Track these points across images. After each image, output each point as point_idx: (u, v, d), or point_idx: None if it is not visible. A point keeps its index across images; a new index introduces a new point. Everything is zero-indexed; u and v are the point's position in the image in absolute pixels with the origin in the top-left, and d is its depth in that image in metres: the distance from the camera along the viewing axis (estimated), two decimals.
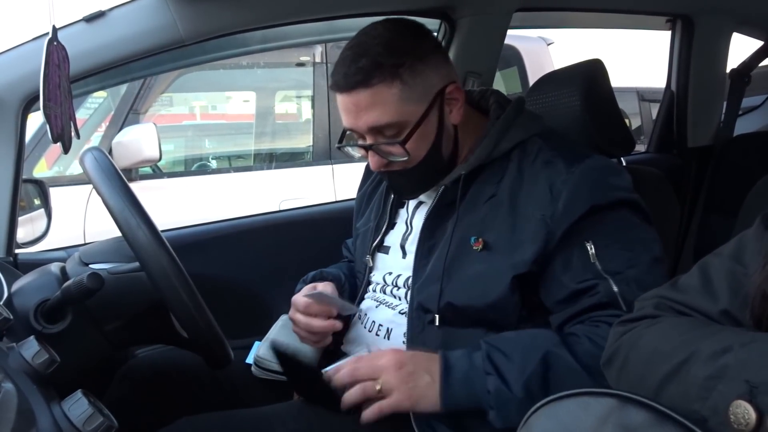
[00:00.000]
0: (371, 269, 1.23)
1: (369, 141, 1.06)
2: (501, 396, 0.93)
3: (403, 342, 1.11)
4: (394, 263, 1.19)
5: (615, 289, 0.96)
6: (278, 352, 1.07)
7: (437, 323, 1.06)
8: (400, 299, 1.15)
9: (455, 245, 1.06)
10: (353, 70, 1.00)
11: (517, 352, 0.95)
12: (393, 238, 1.21)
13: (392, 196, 1.23)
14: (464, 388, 0.95)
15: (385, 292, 1.19)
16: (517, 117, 1.11)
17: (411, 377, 0.96)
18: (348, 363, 1.00)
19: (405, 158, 1.05)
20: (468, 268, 1.04)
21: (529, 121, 1.12)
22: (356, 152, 1.12)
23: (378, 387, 0.95)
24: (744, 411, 0.48)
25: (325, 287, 1.18)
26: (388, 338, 1.14)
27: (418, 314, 1.09)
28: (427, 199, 1.15)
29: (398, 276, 1.17)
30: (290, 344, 1.19)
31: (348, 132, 1.10)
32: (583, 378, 0.92)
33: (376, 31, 1.04)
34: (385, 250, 1.22)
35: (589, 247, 0.98)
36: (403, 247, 1.18)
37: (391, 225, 1.23)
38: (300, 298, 1.15)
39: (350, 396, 0.97)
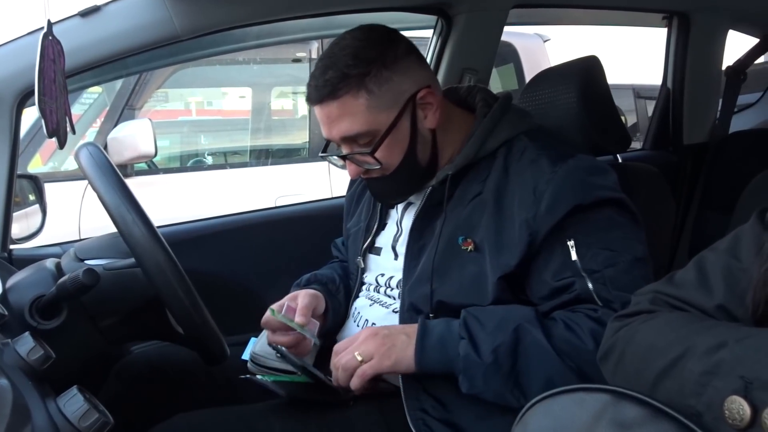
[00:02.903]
0: (363, 270, 1.23)
1: (345, 150, 1.08)
2: (469, 359, 0.95)
3: None
4: (387, 264, 1.19)
5: (590, 287, 0.96)
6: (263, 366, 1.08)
7: None
8: (394, 299, 1.15)
9: (443, 245, 1.06)
10: (321, 83, 1.02)
11: (492, 322, 0.97)
12: (384, 240, 1.21)
13: None
14: (438, 350, 0.98)
15: (378, 292, 1.19)
16: (504, 115, 1.11)
17: (387, 339, 0.99)
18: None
19: (378, 166, 1.06)
20: (458, 268, 1.04)
21: (516, 119, 1.11)
22: (337, 161, 1.13)
23: (359, 357, 0.99)
24: (739, 406, 0.48)
25: (303, 297, 1.16)
26: None
27: (410, 315, 1.09)
28: (416, 200, 1.15)
29: (391, 277, 1.17)
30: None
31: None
32: (551, 358, 0.94)
33: (345, 41, 1.05)
34: (377, 251, 1.22)
35: (570, 245, 0.98)
36: (394, 249, 1.18)
37: (382, 226, 1.23)
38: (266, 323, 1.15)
39: (338, 379, 1.01)
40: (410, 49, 1.09)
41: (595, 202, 1.00)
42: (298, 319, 1.10)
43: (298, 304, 1.13)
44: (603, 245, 0.98)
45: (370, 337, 1.00)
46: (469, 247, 1.04)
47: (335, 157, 1.13)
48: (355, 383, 0.99)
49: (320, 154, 1.19)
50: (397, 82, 1.04)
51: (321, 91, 1.03)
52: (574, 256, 0.97)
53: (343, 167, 1.14)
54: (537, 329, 0.95)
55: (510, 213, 1.02)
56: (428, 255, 1.08)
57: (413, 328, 1.00)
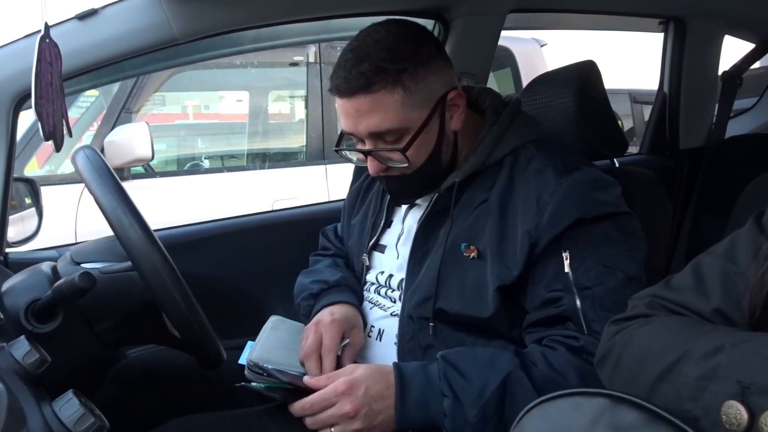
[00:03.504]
0: (368, 269, 1.22)
1: (368, 146, 1.04)
2: (456, 419, 0.93)
3: (395, 344, 1.11)
4: (389, 263, 1.18)
5: (578, 304, 0.96)
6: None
7: (431, 331, 1.06)
8: (393, 301, 1.15)
9: (448, 252, 1.06)
10: (355, 75, 0.98)
11: (475, 374, 0.95)
12: (389, 238, 1.20)
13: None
14: (420, 410, 0.96)
15: (379, 293, 1.18)
16: (513, 122, 1.10)
17: (364, 400, 0.95)
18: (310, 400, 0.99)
19: (405, 164, 1.03)
20: (460, 275, 1.04)
21: (525, 128, 1.10)
22: (354, 155, 1.10)
23: (332, 430, 0.96)
24: (736, 411, 0.48)
25: (346, 312, 1.14)
26: (380, 340, 1.14)
27: (408, 321, 1.08)
28: (422, 203, 1.14)
29: (391, 276, 1.17)
30: (279, 354, 1.19)
31: (346, 135, 1.08)
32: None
33: (378, 34, 1.00)
34: (381, 249, 1.21)
35: (565, 257, 0.97)
36: (397, 248, 1.17)
37: (388, 224, 1.22)
38: (330, 330, 1.10)
39: None
40: (440, 48, 1.07)
41: (597, 216, 0.99)
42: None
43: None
44: (597, 260, 0.97)
45: (346, 399, 0.96)
46: (472, 254, 1.03)
47: (350, 153, 1.10)
48: None
49: (334, 148, 1.15)
50: (432, 81, 1.02)
51: (353, 83, 0.98)
52: (567, 269, 0.97)
53: (358, 162, 1.11)
54: (522, 376, 0.94)
55: (513, 222, 1.01)
56: (431, 261, 1.07)
57: (391, 381, 0.97)
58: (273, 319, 1.22)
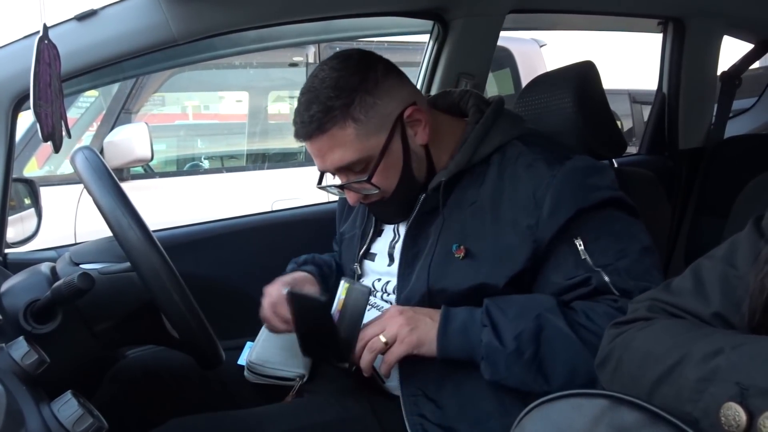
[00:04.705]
0: (360, 277, 1.23)
1: (342, 180, 1.09)
2: (491, 346, 0.96)
3: None
4: (382, 269, 1.19)
5: (606, 279, 0.97)
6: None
7: None
8: (391, 304, 1.15)
9: (439, 253, 1.06)
10: (307, 119, 1.02)
11: (513, 309, 0.98)
12: (380, 246, 1.21)
13: None
14: (460, 336, 0.98)
15: (375, 297, 1.19)
16: (496, 120, 1.11)
17: (411, 320, 1.00)
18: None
19: (376, 191, 1.07)
20: (453, 275, 1.04)
21: (509, 124, 1.11)
22: (336, 191, 1.14)
23: (384, 340, 1.00)
24: (735, 413, 0.48)
25: (303, 281, 1.19)
26: None
27: None
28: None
29: (387, 282, 1.17)
30: (279, 355, 1.19)
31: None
32: (574, 345, 0.94)
33: (323, 73, 1.04)
34: (371, 257, 1.21)
35: (578, 244, 0.99)
36: (390, 255, 1.18)
37: (378, 233, 1.23)
38: (273, 291, 1.16)
39: (364, 362, 1.02)
40: (389, 69, 1.08)
41: (597, 203, 1.00)
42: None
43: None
44: (610, 240, 0.99)
45: (395, 316, 1.01)
46: (461, 255, 1.04)
47: (329, 189, 1.14)
48: (383, 370, 1.01)
49: (317, 187, 1.19)
50: (382, 105, 1.04)
51: (308, 127, 1.03)
52: (583, 255, 0.98)
53: (341, 195, 1.15)
54: (559, 317, 0.96)
55: (507, 219, 1.02)
56: (423, 262, 1.08)
57: (437, 313, 1.01)
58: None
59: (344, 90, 1.02)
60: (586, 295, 0.99)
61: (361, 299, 1.02)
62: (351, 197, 1.10)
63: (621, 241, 0.99)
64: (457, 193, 1.08)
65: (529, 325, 0.95)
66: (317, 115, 1.01)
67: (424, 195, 1.09)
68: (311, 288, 1.19)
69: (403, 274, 1.11)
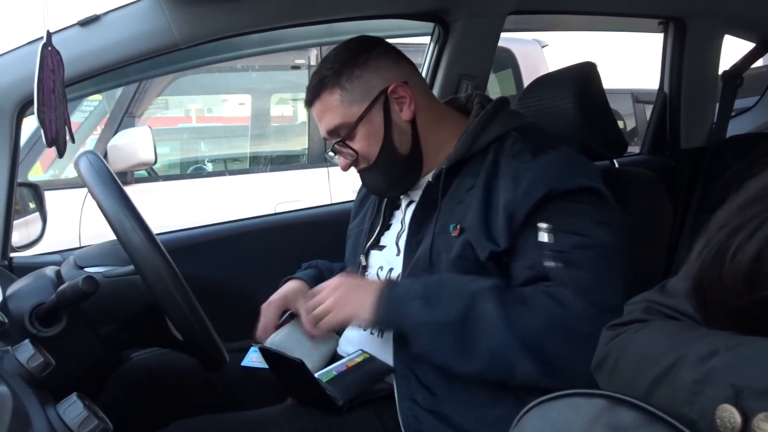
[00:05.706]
0: (365, 268, 1.25)
1: (333, 144, 1.19)
2: (419, 319, 1.00)
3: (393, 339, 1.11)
4: (388, 258, 1.22)
5: (553, 265, 0.99)
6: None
7: None
8: None
9: (438, 236, 1.09)
10: (309, 89, 1.17)
11: (451, 287, 1.02)
12: (389, 238, 1.24)
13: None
14: (394, 308, 1.03)
15: None
16: (497, 114, 1.15)
17: (350, 291, 1.08)
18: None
19: (354, 156, 1.16)
20: (447, 252, 1.07)
21: (508, 117, 1.16)
22: (334, 157, 1.23)
23: (322, 309, 1.09)
24: (730, 415, 0.48)
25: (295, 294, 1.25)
26: (381, 336, 1.16)
27: None
28: (417, 197, 1.18)
29: (391, 270, 1.19)
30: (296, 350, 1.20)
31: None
32: (501, 329, 0.96)
33: (332, 53, 1.18)
34: (380, 248, 1.24)
35: (541, 227, 1.01)
36: (398, 245, 1.21)
37: (386, 226, 1.26)
38: (268, 312, 1.24)
39: (310, 330, 1.14)
40: (386, 50, 1.19)
41: (571, 189, 1.02)
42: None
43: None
44: (572, 230, 1.01)
45: (336, 288, 1.09)
46: (457, 233, 1.07)
47: (335, 157, 1.21)
48: (316, 332, 1.13)
49: (325, 154, 1.28)
50: (368, 78, 1.14)
51: (308, 96, 1.18)
52: (544, 238, 1.00)
53: (334, 160, 1.23)
54: (493, 299, 0.98)
55: (495, 201, 1.05)
56: (424, 246, 1.11)
57: (381, 284, 1.07)
58: (296, 320, 1.23)
59: (337, 62, 1.15)
60: (534, 279, 1.01)
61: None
62: (341, 162, 1.19)
63: (583, 233, 1.00)
64: (458, 181, 1.12)
65: (461, 303, 0.99)
66: (315, 83, 1.16)
67: (427, 183, 1.14)
68: (303, 302, 1.20)
69: (407, 260, 1.14)
